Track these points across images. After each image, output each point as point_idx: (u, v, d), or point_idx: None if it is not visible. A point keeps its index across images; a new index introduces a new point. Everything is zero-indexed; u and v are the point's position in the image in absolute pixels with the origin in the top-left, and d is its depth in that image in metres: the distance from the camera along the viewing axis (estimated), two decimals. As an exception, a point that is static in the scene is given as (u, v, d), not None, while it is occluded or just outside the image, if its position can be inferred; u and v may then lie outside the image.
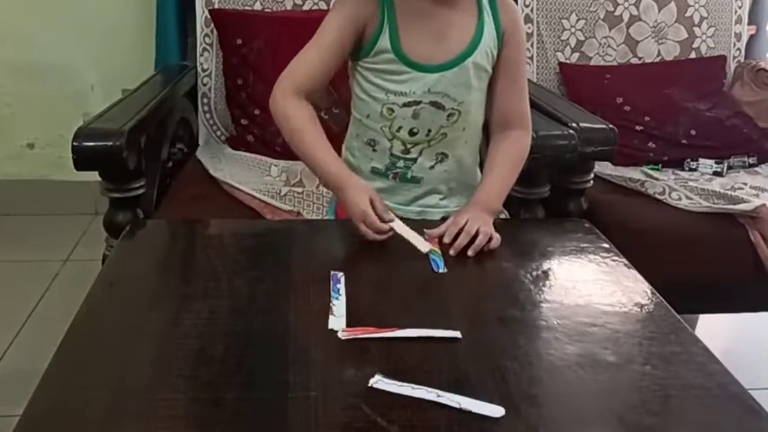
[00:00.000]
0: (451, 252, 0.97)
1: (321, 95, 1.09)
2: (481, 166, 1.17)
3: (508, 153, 1.13)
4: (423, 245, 0.97)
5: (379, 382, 0.68)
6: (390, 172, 1.13)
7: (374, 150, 1.12)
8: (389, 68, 1.07)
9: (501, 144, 1.13)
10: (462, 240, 0.98)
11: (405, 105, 1.08)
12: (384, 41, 1.06)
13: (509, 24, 1.10)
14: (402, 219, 1.03)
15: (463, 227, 0.99)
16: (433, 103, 1.07)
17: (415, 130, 1.09)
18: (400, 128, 1.09)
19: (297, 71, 1.09)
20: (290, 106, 1.08)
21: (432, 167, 1.12)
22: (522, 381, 0.71)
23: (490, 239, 0.99)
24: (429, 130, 1.09)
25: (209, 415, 0.65)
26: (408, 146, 1.11)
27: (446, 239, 0.99)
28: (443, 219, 1.06)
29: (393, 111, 1.09)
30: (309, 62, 1.09)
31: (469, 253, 0.97)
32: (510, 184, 1.12)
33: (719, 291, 1.44)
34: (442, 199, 1.15)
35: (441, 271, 0.92)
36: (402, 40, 1.06)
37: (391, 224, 0.98)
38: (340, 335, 0.76)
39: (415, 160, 1.11)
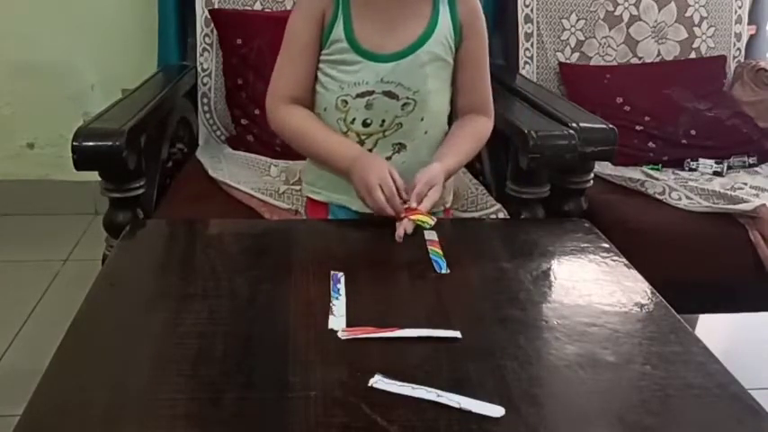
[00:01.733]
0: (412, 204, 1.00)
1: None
2: None
3: (472, 131, 1.15)
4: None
5: (378, 381, 0.68)
6: None
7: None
8: (343, 58, 1.09)
9: (466, 123, 1.15)
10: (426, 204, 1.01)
11: (358, 96, 1.09)
12: (338, 31, 1.08)
13: (467, 16, 1.11)
14: (361, 214, 1.10)
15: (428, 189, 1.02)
16: (386, 93, 1.09)
17: (369, 121, 1.10)
18: (354, 119, 1.10)
19: (276, 85, 1.12)
20: (281, 115, 1.11)
21: (389, 158, 1.12)
22: (522, 381, 0.71)
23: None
24: (383, 121, 1.10)
25: (209, 415, 0.65)
26: (363, 137, 1.11)
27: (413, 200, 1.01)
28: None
29: (347, 102, 1.10)
30: (285, 71, 1.11)
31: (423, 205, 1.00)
32: (466, 160, 1.14)
33: (719, 290, 1.44)
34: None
35: (443, 272, 0.92)
36: (355, 29, 1.07)
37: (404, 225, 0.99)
38: (340, 335, 0.76)
39: (370, 152, 1.12)
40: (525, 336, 0.80)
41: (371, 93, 1.09)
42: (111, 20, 2.24)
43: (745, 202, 1.42)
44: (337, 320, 0.79)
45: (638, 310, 0.85)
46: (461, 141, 1.13)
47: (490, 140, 1.18)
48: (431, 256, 0.96)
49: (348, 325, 0.78)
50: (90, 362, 0.73)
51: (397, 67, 1.08)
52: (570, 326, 0.80)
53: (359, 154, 1.07)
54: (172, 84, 1.63)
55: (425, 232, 1.01)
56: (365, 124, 1.10)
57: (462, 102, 1.16)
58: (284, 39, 1.12)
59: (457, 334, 0.77)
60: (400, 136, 1.12)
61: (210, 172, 1.51)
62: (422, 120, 1.12)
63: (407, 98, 1.09)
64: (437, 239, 1.00)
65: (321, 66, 1.11)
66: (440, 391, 0.67)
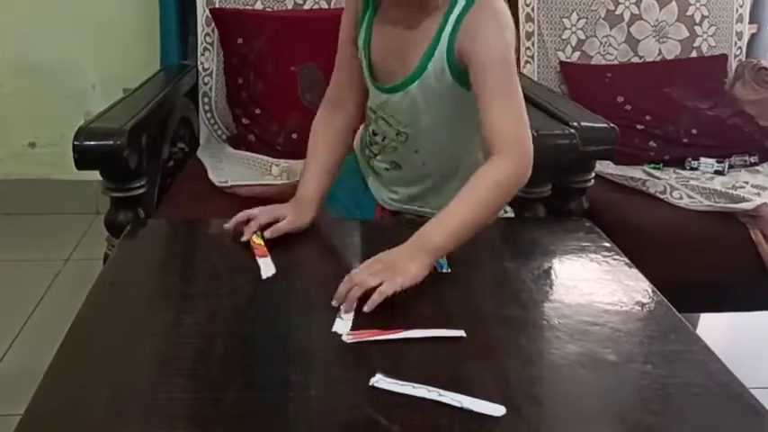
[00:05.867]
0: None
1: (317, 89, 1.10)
2: None
3: (475, 185, 0.92)
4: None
5: (380, 381, 0.68)
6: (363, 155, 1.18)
7: (365, 130, 1.16)
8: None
9: (476, 175, 0.93)
10: (354, 294, 0.81)
11: (369, 109, 1.11)
12: (360, 39, 1.06)
13: (465, 46, 0.96)
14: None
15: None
16: (383, 119, 1.08)
17: (376, 132, 1.11)
18: (369, 125, 1.12)
19: (330, 83, 1.13)
20: (316, 119, 1.13)
21: (386, 170, 1.14)
22: (523, 380, 0.71)
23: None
24: (384, 138, 1.11)
25: (209, 414, 0.65)
26: (369, 141, 1.14)
27: (335, 300, 0.81)
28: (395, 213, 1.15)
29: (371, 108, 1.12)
30: (335, 71, 1.12)
31: (365, 309, 0.80)
32: (472, 220, 0.90)
33: (720, 289, 1.44)
34: (405, 197, 1.15)
35: (444, 271, 0.92)
36: (373, 45, 1.05)
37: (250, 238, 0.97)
38: (345, 338, 0.76)
39: (375, 156, 1.14)
40: (526, 335, 0.79)
41: (375, 112, 1.09)
42: (113, 19, 2.24)
43: (746, 200, 1.42)
44: (344, 323, 0.78)
45: (640, 309, 0.85)
46: (455, 211, 0.91)
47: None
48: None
49: (353, 327, 0.78)
50: (91, 361, 0.73)
51: (387, 102, 1.06)
52: (571, 325, 0.80)
53: (297, 197, 1.06)
54: (173, 83, 1.63)
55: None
56: (374, 133, 1.12)
57: (481, 133, 0.97)
58: None
59: (461, 333, 0.76)
60: (396, 157, 1.11)
61: (210, 174, 1.51)
62: (416, 152, 1.08)
63: (399, 130, 1.08)
64: None
65: None
66: (441, 391, 0.67)
